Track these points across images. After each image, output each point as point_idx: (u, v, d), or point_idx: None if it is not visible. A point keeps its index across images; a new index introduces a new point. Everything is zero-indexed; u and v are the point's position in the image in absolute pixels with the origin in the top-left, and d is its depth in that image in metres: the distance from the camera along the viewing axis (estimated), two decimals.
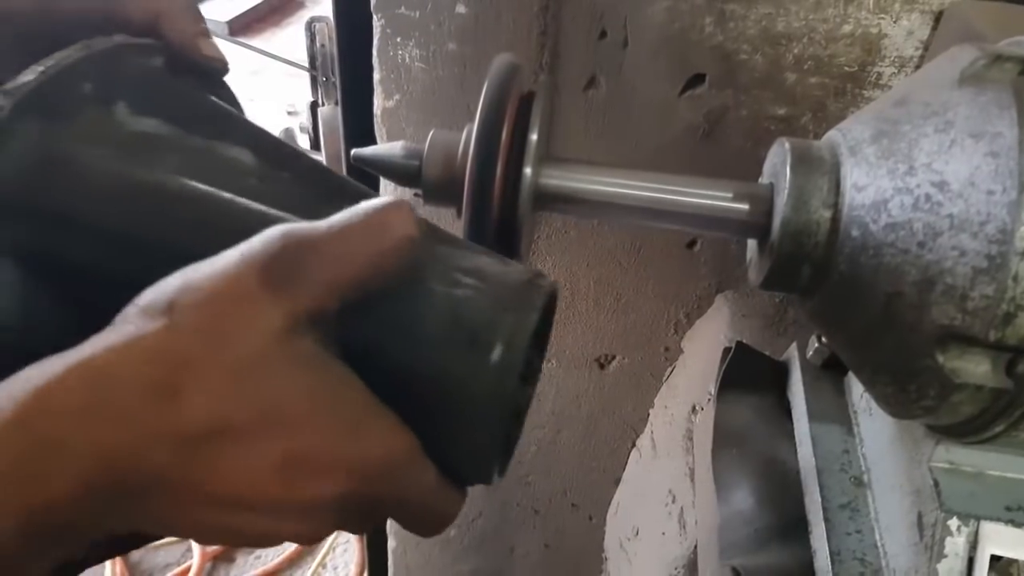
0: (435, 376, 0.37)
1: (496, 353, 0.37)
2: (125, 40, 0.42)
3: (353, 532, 0.39)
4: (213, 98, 0.45)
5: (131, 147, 0.39)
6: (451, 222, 0.50)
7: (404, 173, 0.55)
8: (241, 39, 4.09)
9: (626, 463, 1.28)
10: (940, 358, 0.44)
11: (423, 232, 0.38)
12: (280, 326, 0.33)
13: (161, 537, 0.37)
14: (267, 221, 0.35)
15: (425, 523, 0.40)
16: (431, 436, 0.37)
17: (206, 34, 0.46)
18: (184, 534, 0.34)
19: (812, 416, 0.72)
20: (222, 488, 0.32)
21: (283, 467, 0.33)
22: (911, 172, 0.45)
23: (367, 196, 0.40)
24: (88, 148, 0.38)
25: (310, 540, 0.36)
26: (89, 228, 0.38)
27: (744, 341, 0.85)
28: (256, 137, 0.43)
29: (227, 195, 0.39)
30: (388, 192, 1.06)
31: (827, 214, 0.49)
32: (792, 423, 0.76)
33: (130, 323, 0.32)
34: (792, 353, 0.80)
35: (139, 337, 0.31)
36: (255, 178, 0.40)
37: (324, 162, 1.77)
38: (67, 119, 0.38)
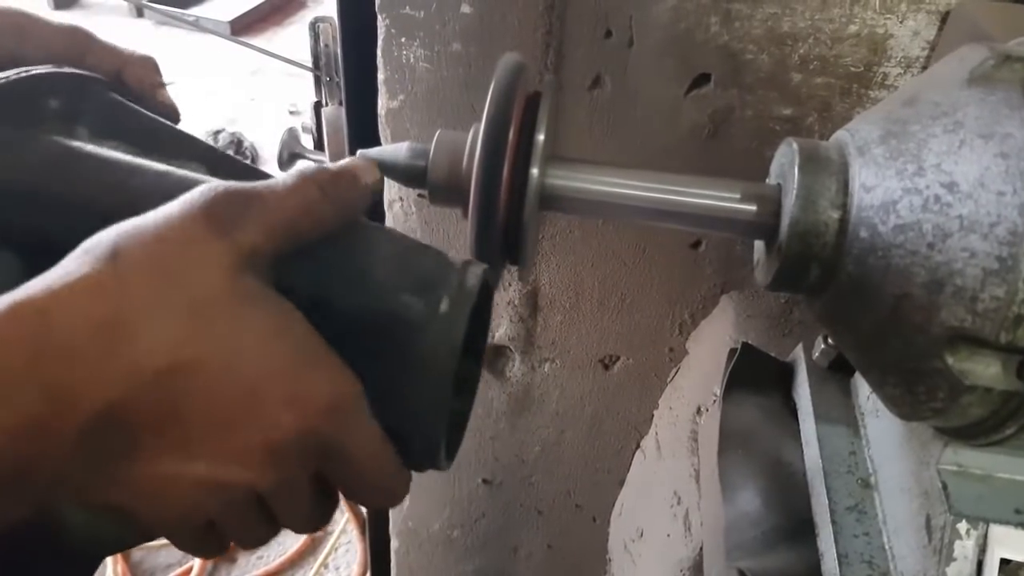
0: (384, 322, 0.38)
1: (444, 304, 0.38)
2: (83, 72, 0.43)
3: (296, 501, 0.38)
4: (170, 124, 0.47)
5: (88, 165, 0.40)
6: (457, 222, 0.50)
7: (410, 173, 0.55)
8: (243, 39, 4.10)
9: (630, 464, 1.27)
10: (949, 360, 0.43)
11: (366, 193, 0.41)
12: (226, 263, 0.33)
13: (152, 537, 0.37)
14: None
15: (371, 488, 0.40)
16: (378, 390, 0.38)
17: (162, 85, 0.49)
18: (142, 491, 0.33)
19: (818, 417, 0.71)
20: (175, 430, 0.32)
21: (233, 407, 0.33)
22: (920, 173, 0.45)
23: None
24: (44, 161, 0.39)
25: (251, 492, 0.35)
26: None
27: (749, 342, 0.84)
28: (213, 158, 0.45)
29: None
30: (393, 192, 1.06)
31: (835, 215, 0.49)
32: (798, 424, 0.75)
33: (72, 262, 0.32)
34: (798, 354, 0.79)
35: (82, 276, 0.31)
36: None
37: (327, 162, 1.77)
38: (31, 127, 0.39)
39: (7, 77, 0.39)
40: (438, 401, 0.38)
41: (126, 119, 0.44)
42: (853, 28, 0.80)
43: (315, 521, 0.40)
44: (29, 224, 0.37)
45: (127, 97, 0.46)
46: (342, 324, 0.37)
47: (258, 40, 4.57)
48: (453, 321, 0.38)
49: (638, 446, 1.25)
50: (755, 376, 0.81)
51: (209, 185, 0.35)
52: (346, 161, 0.41)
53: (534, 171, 0.50)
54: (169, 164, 0.41)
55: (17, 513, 0.31)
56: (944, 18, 0.77)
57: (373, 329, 0.38)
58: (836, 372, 0.75)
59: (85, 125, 0.41)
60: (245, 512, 0.36)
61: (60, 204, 0.37)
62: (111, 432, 0.31)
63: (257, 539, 0.38)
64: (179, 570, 2.08)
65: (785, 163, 0.52)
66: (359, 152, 0.55)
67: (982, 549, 0.49)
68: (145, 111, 0.46)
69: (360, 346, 0.37)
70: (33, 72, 0.40)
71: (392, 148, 0.55)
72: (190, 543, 0.37)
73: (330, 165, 0.40)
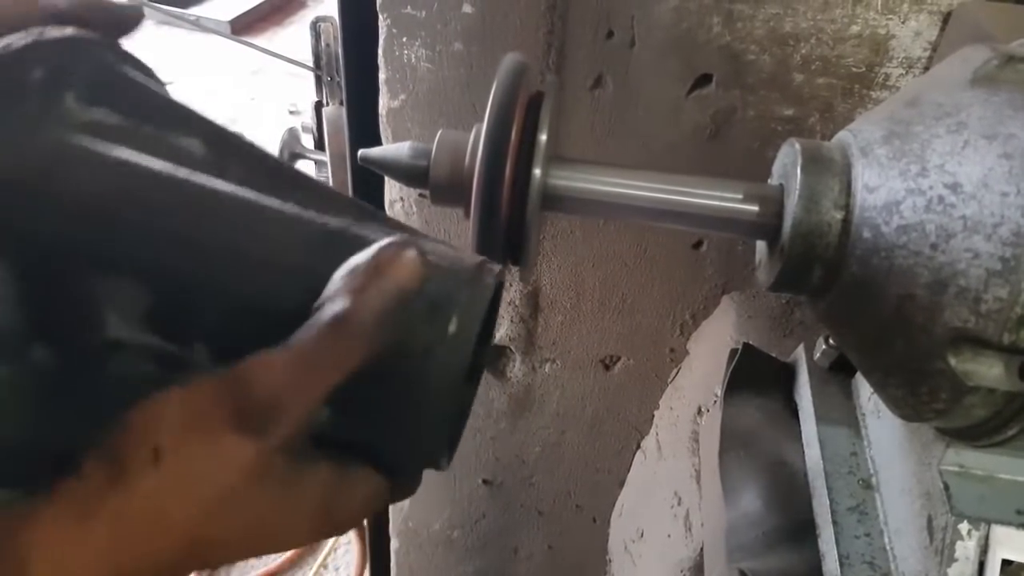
0: (394, 347, 0.37)
1: (453, 326, 0.37)
2: (77, 33, 0.40)
3: None
4: (165, 91, 0.44)
5: (80, 134, 0.37)
6: (458, 222, 0.50)
7: (411, 173, 0.55)
8: (243, 38, 4.09)
9: (631, 465, 1.27)
10: (952, 361, 0.43)
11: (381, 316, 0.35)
12: (249, 462, 0.34)
13: None
14: (217, 200, 0.36)
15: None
16: (384, 410, 0.38)
17: None
18: None
19: (820, 418, 0.71)
20: None
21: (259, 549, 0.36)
22: (923, 173, 0.45)
23: (316, 188, 0.41)
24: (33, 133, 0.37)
25: None
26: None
27: (750, 342, 0.84)
28: (207, 128, 0.43)
29: (180, 175, 0.38)
30: (394, 192, 1.06)
31: (838, 215, 0.48)
32: (799, 425, 0.75)
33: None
34: (799, 355, 0.79)
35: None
36: (205, 166, 0.40)
37: (328, 162, 1.77)
38: (12, 104, 0.36)
39: None
40: (444, 418, 0.38)
41: (120, 85, 0.41)
42: (855, 28, 0.80)
43: None
44: (26, 229, 0.36)
45: (125, 57, 0.42)
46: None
47: (258, 40, 4.57)
48: (462, 341, 0.37)
49: (639, 446, 1.25)
50: (756, 377, 0.81)
51: (236, 374, 0.33)
52: (383, 267, 0.35)
53: (536, 171, 0.50)
54: (163, 136, 0.40)
55: None
56: (946, 19, 0.77)
57: (384, 354, 0.37)
58: (837, 373, 0.75)
59: (73, 90, 0.38)
60: None
61: (59, 207, 0.36)
62: None
63: None
64: None
65: (788, 163, 0.52)
66: (360, 152, 0.55)
67: (984, 550, 0.49)
68: (142, 77, 0.43)
69: (372, 371, 0.37)
70: (12, 48, 0.36)
71: (394, 148, 0.55)
72: None
73: (362, 287, 0.34)
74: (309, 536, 0.37)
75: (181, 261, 0.36)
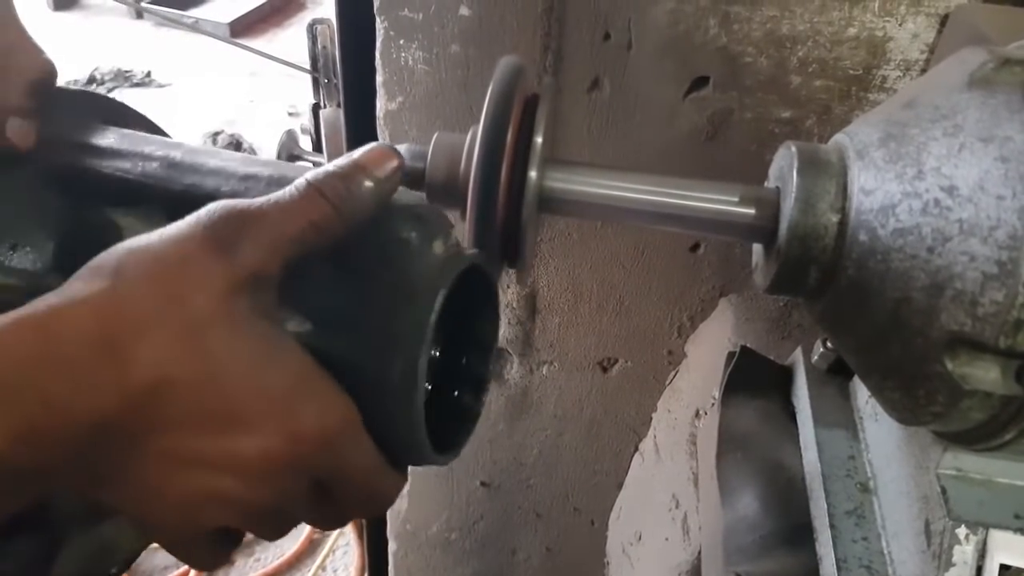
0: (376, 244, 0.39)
1: (439, 245, 0.39)
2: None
3: (303, 514, 0.39)
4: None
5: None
6: (455, 222, 0.50)
7: (408, 175, 0.54)
8: (242, 40, 4.10)
9: (629, 467, 1.27)
10: (949, 364, 0.43)
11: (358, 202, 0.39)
12: (222, 286, 0.34)
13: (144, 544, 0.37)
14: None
15: (366, 504, 0.41)
16: (364, 316, 0.38)
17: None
18: (133, 494, 0.35)
19: (817, 421, 0.71)
20: (165, 440, 0.33)
21: (221, 422, 0.34)
22: (920, 176, 0.44)
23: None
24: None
25: (257, 509, 0.36)
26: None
27: (748, 345, 0.84)
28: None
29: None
30: None
31: (835, 218, 0.48)
32: (797, 428, 0.75)
33: (78, 281, 0.34)
34: (797, 357, 0.79)
35: (86, 295, 0.33)
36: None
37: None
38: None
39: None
40: (412, 396, 0.38)
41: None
42: (852, 31, 0.80)
43: (321, 526, 0.41)
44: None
45: None
46: (326, 358, 0.38)
47: (258, 41, 4.57)
48: (448, 261, 0.39)
49: (636, 449, 1.25)
50: (754, 379, 0.81)
51: (212, 206, 0.36)
52: (360, 155, 0.39)
53: (532, 173, 0.50)
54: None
55: (9, 507, 0.33)
56: (943, 21, 0.77)
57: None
58: (835, 375, 0.75)
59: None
60: (243, 522, 0.37)
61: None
62: (106, 439, 0.33)
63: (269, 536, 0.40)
64: (177, 572, 2.08)
65: (784, 166, 0.52)
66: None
67: (981, 554, 0.49)
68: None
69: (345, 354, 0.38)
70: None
71: None
72: (193, 554, 0.38)
73: (342, 163, 0.39)
74: (280, 441, 0.35)
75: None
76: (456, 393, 0.48)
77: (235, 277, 0.34)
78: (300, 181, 0.37)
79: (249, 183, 0.42)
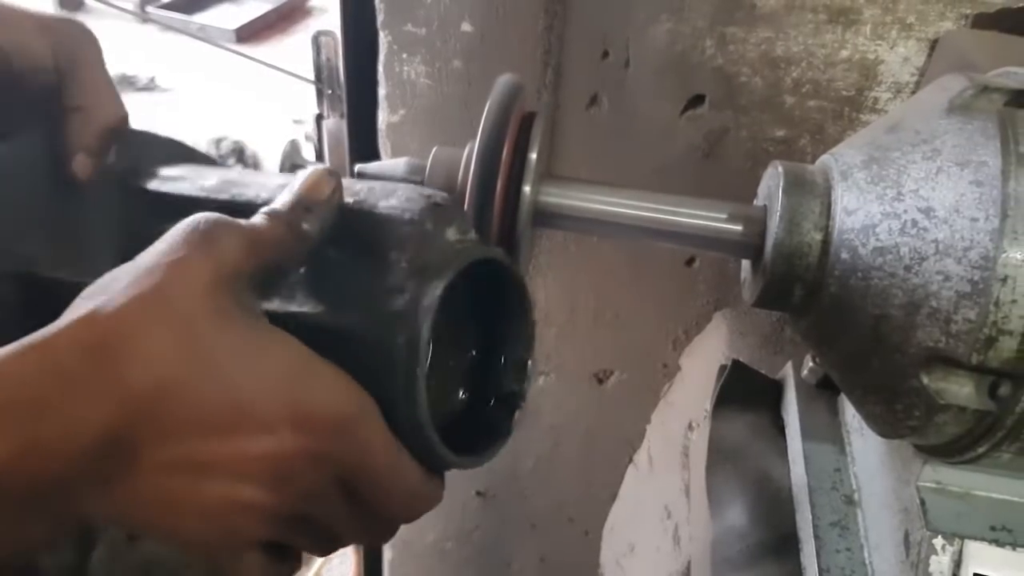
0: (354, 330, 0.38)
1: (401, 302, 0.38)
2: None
3: (340, 523, 0.38)
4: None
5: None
6: None
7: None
8: (248, 46, 4.13)
9: (623, 478, 1.28)
10: (925, 379, 0.45)
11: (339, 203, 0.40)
12: (209, 279, 0.34)
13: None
14: None
15: (401, 503, 0.39)
16: (367, 378, 0.37)
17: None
18: (153, 512, 0.34)
19: (805, 434, 0.72)
20: (174, 448, 0.33)
21: (227, 422, 0.33)
22: (899, 198, 0.46)
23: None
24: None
25: (287, 515, 0.35)
26: None
27: (741, 359, 0.86)
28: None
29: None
30: None
31: (818, 236, 0.50)
32: (786, 441, 0.76)
33: (79, 300, 0.34)
34: (787, 372, 0.81)
35: (84, 311, 0.33)
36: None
37: None
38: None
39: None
40: (415, 371, 0.37)
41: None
42: (845, 53, 0.82)
43: (366, 537, 0.40)
44: None
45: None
46: (330, 341, 0.37)
47: (264, 47, 4.60)
48: (413, 315, 0.37)
49: (631, 460, 1.26)
50: (745, 393, 0.82)
51: (194, 215, 0.37)
52: (305, 181, 0.40)
53: (526, 188, 0.51)
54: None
55: (37, 532, 0.33)
56: (933, 45, 0.79)
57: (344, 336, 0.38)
58: (824, 390, 0.77)
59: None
60: (280, 531, 0.37)
61: None
62: (113, 451, 0.32)
63: (319, 550, 0.39)
64: None
65: (771, 185, 0.54)
66: (356, 167, 0.57)
67: (957, 564, 0.50)
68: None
69: (350, 356, 0.38)
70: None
71: (391, 163, 0.57)
72: (243, 572, 0.37)
73: (290, 192, 0.40)
74: (281, 427, 0.34)
75: None
76: (490, 406, 0.47)
77: (220, 271, 0.35)
78: (261, 211, 0.39)
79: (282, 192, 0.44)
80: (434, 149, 0.56)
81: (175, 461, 0.33)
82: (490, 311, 0.44)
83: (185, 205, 0.44)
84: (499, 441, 0.46)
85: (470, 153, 0.53)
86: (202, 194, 0.45)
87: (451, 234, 0.40)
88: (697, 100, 0.89)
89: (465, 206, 0.52)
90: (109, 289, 0.33)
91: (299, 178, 0.40)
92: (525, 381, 0.47)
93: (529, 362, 0.47)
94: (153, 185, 0.47)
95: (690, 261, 1.03)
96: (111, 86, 0.48)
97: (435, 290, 0.38)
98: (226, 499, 0.34)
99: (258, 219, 0.38)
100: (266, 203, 0.39)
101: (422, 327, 0.37)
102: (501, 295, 0.44)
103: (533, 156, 0.52)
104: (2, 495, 0.31)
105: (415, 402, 0.38)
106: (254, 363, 0.34)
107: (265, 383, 0.34)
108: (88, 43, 0.47)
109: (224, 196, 0.45)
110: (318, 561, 2.19)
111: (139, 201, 0.47)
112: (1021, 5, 0.74)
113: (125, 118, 0.49)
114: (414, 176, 0.55)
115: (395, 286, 0.38)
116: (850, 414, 0.73)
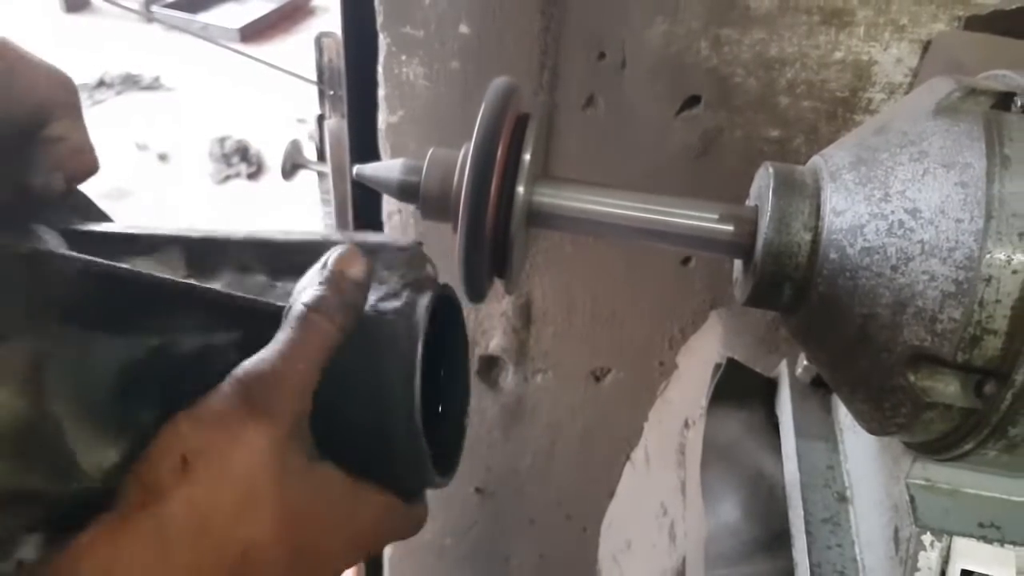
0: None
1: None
2: None
3: None
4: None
5: None
6: (448, 236, 0.52)
7: (404, 190, 0.57)
8: (252, 46, 4.13)
9: (620, 475, 1.29)
10: (912, 377, 0.45)
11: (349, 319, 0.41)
12: (269, 446, 0.37)
13: None
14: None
15: (399, 538, 0.46)
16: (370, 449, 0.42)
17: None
18: None
19: (799, 432, 0.73)
20: None
21: (302, 563, 0.38)
22: (886, 199, 0.47)
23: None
24: None
25: None
26: None
27: (736, 357, 0.86)
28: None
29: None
30: (392, 204, 1.08)
31: (807, 237, 0.51)
32: (780, 438, 0.77)
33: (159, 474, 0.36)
34: (781, 370, 0.81)
35: (171, 488, 0.35)
36: None
37: (330, 174, 1.79)
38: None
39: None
40: (415, 446, 0.42)
41: None
42: (839, 54, 0.82)
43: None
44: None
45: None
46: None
47: (267, 47, 4.61)
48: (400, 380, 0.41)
49: (628, 458, 1.27)
50: (739, 391, 0.83)
51: (233, 378, 0.38)
52: (334, 265, 0.41)
53: (520, 189, 0.52)
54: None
55: None
56: (926, 47, 0.79)
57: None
58: (817, 388, 0.77)
59: None
60: None
61: None
62: None
63: None
64: None
65: (762, 186, 0.54)
66: (355, 169, 0.58)
67: (945, 560, 0.51)
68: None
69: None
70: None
71: (387, 165, 0.58)
72: None
73: (322, 276, 0.41)
74: (348, 548, 0.41)
75: None
76: (440, 410, 0.51)
77: (279, 433, 0.37)
78: (297, 309, 0.39)
79: (261, 250, 0.46)
80: (431, 150, 0.57)
81: None
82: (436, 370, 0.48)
83: (148, 243, 0.44)
84: (460, 443, 0.49)
85: (465, 154, 0.53)
86: (163, 232, 0.45)
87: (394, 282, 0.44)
88: (692, 101, 0.90)
89: (460, 207, 0.52)
90: (193, 466, 0.36)
91: (330, 272, 0.41)
92: (466, 373, 0.52)
93: (466, 354, 0.52)
94: (108, 228, 0.47)
95: (686, 260, 1.03)
96: (89, 140, 0.47)
97: (427, 297, 0.42)
98: None
99: (294, 336, 0.39)
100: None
101: (420, 317, 0.41)
102: (451, 354, 0.49)
103: (527, 157, 0.52)
104: None
105: (411, 397, 0.41)
106: (314, 511, 0.39)
107: (326, 524, 0.40)
108: (73, 93, 0.46)
109: (194, 235, 0.45)
110: None
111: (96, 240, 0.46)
112: (1014, 7, 0.75)
113: (95, 170, 0.48)
114: (412, 176, 0.56)
115: (391, 292, 0.42)
116: (843, 412, 0.73)
